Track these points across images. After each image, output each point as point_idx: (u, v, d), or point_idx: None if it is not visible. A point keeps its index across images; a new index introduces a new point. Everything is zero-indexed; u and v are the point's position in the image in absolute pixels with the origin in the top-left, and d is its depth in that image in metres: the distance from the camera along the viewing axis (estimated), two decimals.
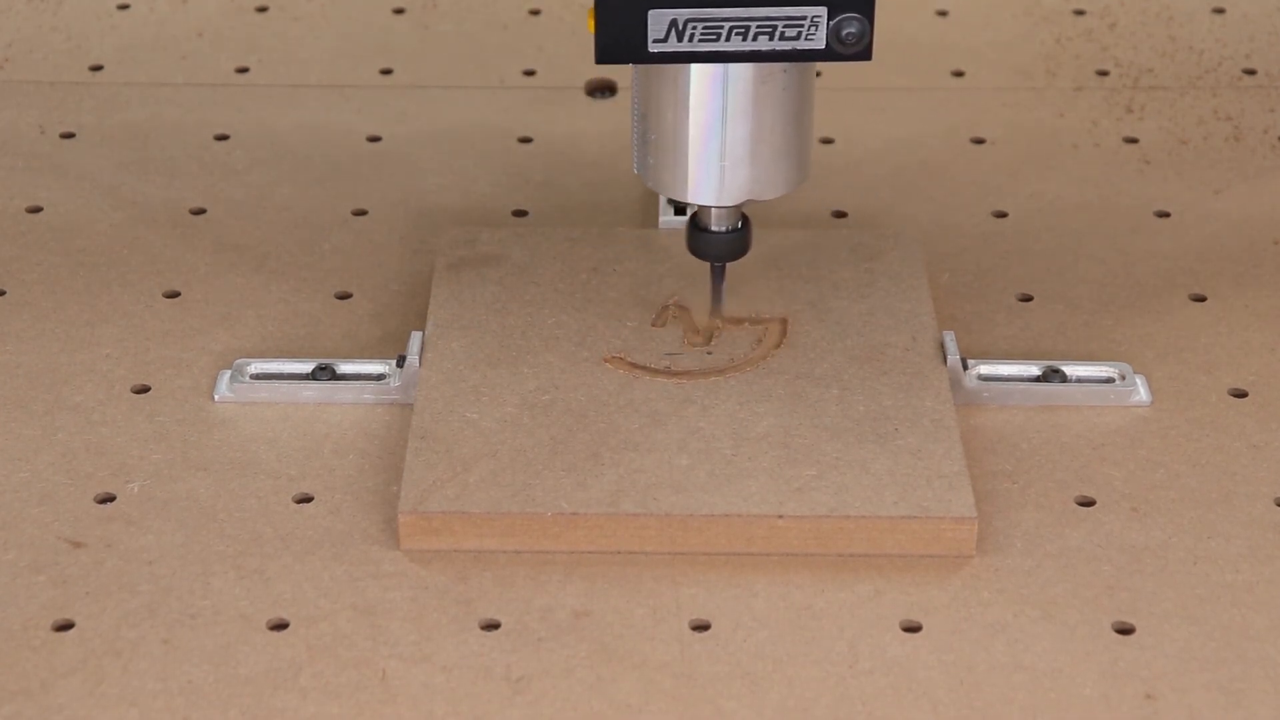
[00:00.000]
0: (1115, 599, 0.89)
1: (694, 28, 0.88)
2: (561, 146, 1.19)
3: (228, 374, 1.00)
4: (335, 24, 1.29)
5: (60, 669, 0.85)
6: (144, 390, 1.00)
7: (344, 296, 1.07)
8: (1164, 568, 0.91)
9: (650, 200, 1.13)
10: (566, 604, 0.89)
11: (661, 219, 1.09)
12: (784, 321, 1.01)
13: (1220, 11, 1.30)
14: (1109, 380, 1.00)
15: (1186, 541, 0.92)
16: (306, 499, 0.94)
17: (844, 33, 0.88)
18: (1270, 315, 1.06)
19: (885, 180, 1.16)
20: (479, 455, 0.93)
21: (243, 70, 1.25)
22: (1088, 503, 0.94)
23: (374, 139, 1.19)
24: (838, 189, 1.15)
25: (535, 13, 1.31)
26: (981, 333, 1.04)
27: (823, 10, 0.88)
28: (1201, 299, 1.07)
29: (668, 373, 0.98)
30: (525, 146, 1.19)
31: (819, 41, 0.88)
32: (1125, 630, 0.88)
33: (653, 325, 1.01)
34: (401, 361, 0.99)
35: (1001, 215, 1.13)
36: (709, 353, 1.00)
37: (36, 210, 1.13)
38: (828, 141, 1.19)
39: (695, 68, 0.91)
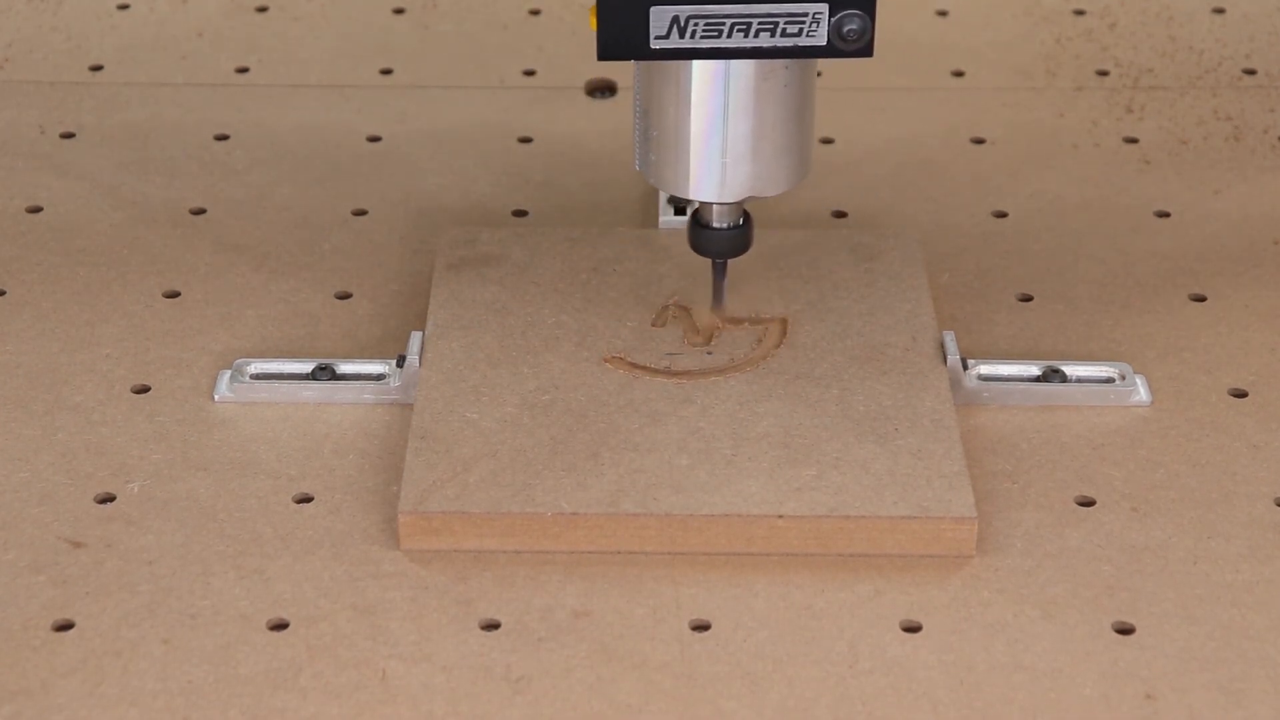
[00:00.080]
0: (1115, 599, 0.89)
1: (696, 24, 0.88)
2: (561, 146, 1.19)
3: (228, 374, 1.00)
4: (335, 24, 1.29)
5: (60, 669, 0.85)
6: (144, 390, 1.00)
7: (344, 296, 1.07)
8: (1164, 568, 0.91)
9: (650, 200, 1.13)
10: (566, 604, 0.89)
11: (661, 219, 1.09)
12: (784, 321, 1.01)
13: (1220, 11, 1.30)
14: (1109, 380, 1.00)
15: (1186, 541, 0.92)
16: (306, 499, 0.94)
17: (845, 29, 0.88)
18: (1270, 315, 1.06)
19: (885, 180, 1.16)
20: (479, 455, 0.93)
21: (243, 70, 1.25)
22: (1088, 503, 0.94)
23: (374, 139, 1.19)
24: (838, 189, 1.15)
25: (535, 13, 1.31)
26: (981, 333, 1.04)
27: (824, 7, 0.88)
28: (1201, 299, 1.07)
29: (668, 373, 0.98)
30: (525, 146, 1.19)
31: (820, 38, 0.89)
32: (1125, 630, 0.88)
33: (653, 325, 1.01)
34: (401, 361, 0.99)
35: (1001, 215, 1.13)
36: (709, 353, 1.00)
37: (36, 210, 1.13)
38: (828, 141, 1.19)
39: (697, 64, 0.91)
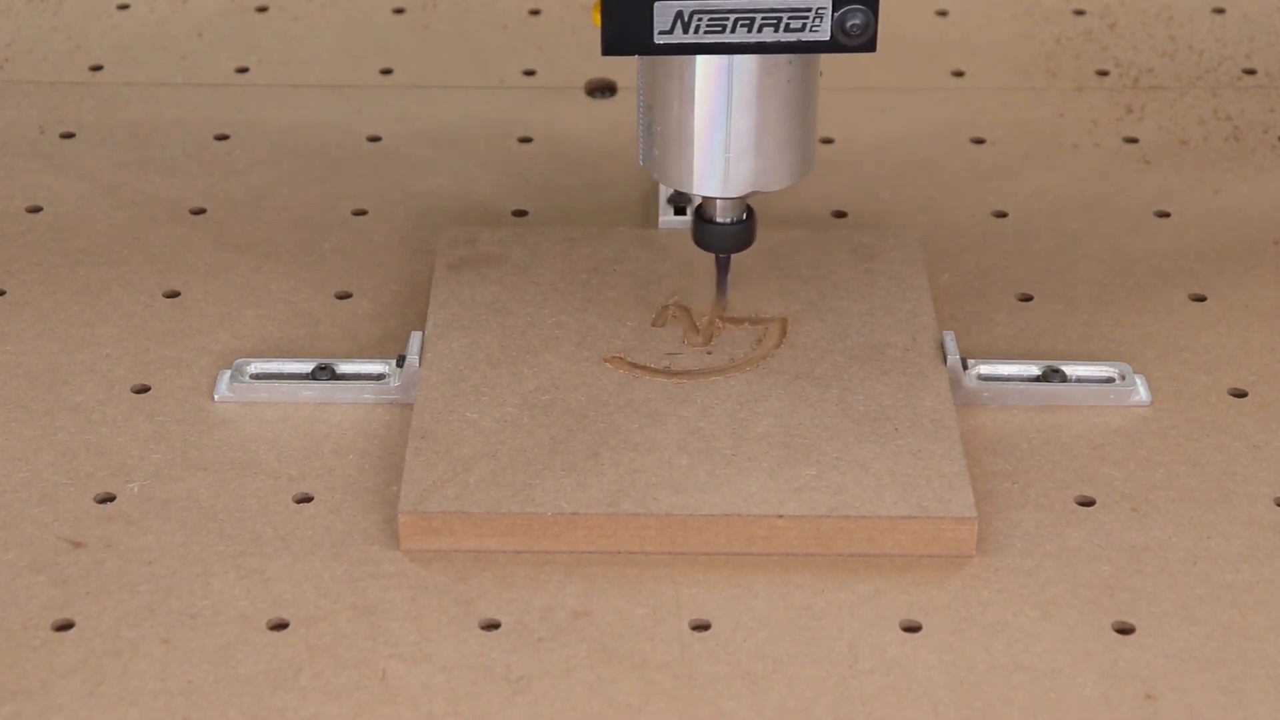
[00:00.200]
0: (1115, 599, 0.89)
1: (699, 19, 0.89)
2: (561, 146, 1.19)
3: (228, 374, 1.00)
4: (335, 24, 1.29)
5: (60, 669, 0.85)
6: (144, 390, 1.00)
7: (344, 296, 1.07)
8: (1164, 568, 0.91)
9: (650, 200, 1.13)
10: (566, 604, 0.89)
11: (661, 219, 1.09)
12: (784, 321, 1.01)
13: (1220, 11, 1.30)
14: (1109, 380, 1.00)
15: (1186, 541, 0.92)
16: (306, 499, 0.94)
17: (848, 24, 0.88)
18: (1270, 315, 1.06)
19: (885, 180, 1.16)
20: (479, 455, 0.93)
21: (243, 70, 1.25)
22: (1088, 503, 0.94)
23: (374, 139, 1.19)
24: (838, 189, 1.15)
25: (535, 13, 1.31)
26: (981, 333, 1.04)
27: (827, 1, 0.88)
28: (1201, 299, 1.07)
29: (668, 373, 0.98)
30: (525, 146, 1.19)
31: (824, 33, 0.89)
32: (1125, 630, 0.88)
33: (653, 325, 1.01)
34: (401, 361, 0.99)
35: (1001, 215, 1.13)
36: (709, 353, 1.00)
37: (36, 210, 1.13)
38: (827, 141, 1.19)
39: (700, 59, 0.91)
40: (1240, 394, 1.01)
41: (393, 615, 0.88)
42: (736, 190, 0.94)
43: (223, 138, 1.19)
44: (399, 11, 1.30)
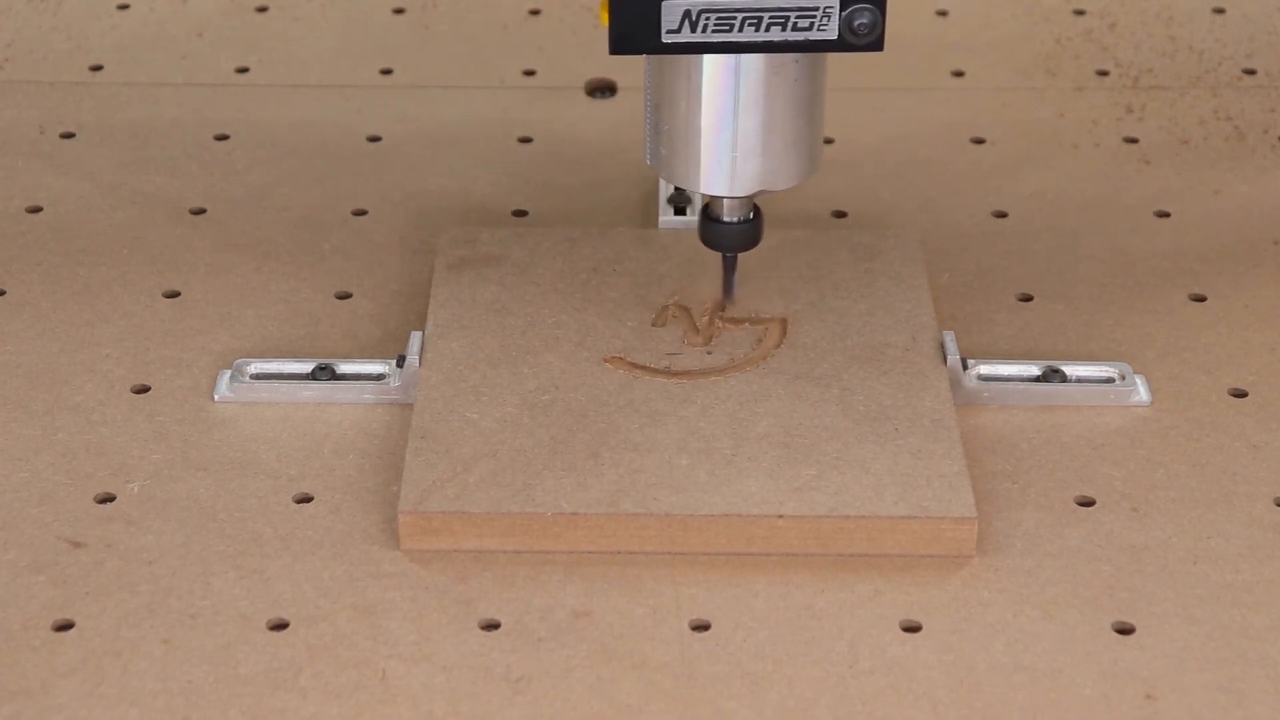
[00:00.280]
0: (1115, 599, 0.89)
1: (707, 18, 0.89)
2: (561, 146, 1.19)
3: (228, 374, 1.00)
4: (335, 24, 1.29)
5: (60, 669, 0.85)
6: (144, 390, 1.00)
7: (344, 296, 1.07)
8: (1164, 568, 0.91)
9: (650, 200, 1.13)
10: (566, 604, 0.89)
11: (661, 219, 1.09)
12: (784, 321, 1.01)
13: (1220, 11, 1.30)
14: (1109, 380, 1.00)
15: (1186, 541, 0.92)
16: (306, 499, 0.94)
17: (856, 23, 0.88)
18: (1270, 315, 1.06)
19: (885, 180, 1.16)
20: (479, 455, 0.93)
21: (243, 70, 1.25)
22: (1088, 503, 0.94)
23: (374, 139, 1.19)
24: (838, 189, 1.15)
25: (535, 13, 1.31)
26: (981, 333, 1.04)
27: (835, 1, 0.88)
28: (1201, 299, 1.07)
29: (668, 373, 0.98)
30: (525, 146, 1.19)
31: (831, 32, 0.89)
32: (1125, 630, 0.88)
33: (653, 325, 1.01)
34: (401, 361, 0.99)
35: (1001, 215, 1.13)
36: (709, 353, 1.00)
37: (36, 210, 1.13)
38: (828, 141, 1.19)
39: (708, 58, 0.91)
40: (1240, 394, 1.01)
41: (393, 615, 0.88)
42: (743, 189, 0.94)
43: (223, 138, 1.19)
44: (399, 11, 1.30)
